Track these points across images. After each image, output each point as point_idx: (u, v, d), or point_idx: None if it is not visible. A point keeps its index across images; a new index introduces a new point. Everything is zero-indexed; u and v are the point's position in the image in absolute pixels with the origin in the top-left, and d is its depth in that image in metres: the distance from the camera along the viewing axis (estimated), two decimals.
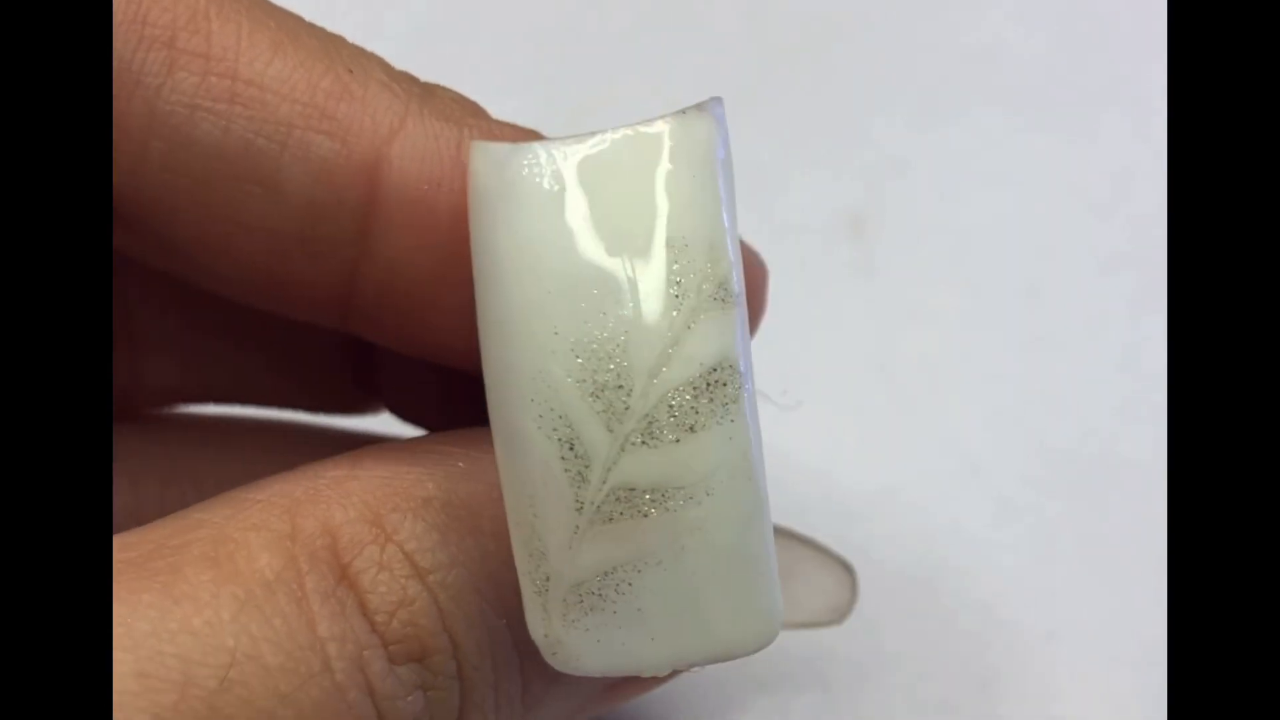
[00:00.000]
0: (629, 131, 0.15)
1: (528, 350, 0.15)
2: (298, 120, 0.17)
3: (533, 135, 0.18)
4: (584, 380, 0.15)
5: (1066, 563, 0.26)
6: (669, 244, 0.15)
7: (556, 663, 0.16)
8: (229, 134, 0.17)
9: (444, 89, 0.18)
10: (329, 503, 0.16)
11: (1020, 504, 0.27)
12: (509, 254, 0.15)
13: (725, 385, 0.15)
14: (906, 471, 0.27)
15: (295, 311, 0.19)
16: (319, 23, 0.18)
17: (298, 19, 0.18)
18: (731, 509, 0.15)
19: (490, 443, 0.17)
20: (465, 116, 0.17)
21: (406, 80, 0.18)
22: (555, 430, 0.15)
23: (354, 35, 0.18)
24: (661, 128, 0.15)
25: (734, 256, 0.15)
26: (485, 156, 0.16)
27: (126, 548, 0.16)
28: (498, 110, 0.18)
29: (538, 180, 0.15)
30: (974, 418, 0.28)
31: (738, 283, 0.15)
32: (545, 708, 0.18)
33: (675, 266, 0.15)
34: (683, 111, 0.15)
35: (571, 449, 0.15)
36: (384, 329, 0.19)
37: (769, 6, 0.33)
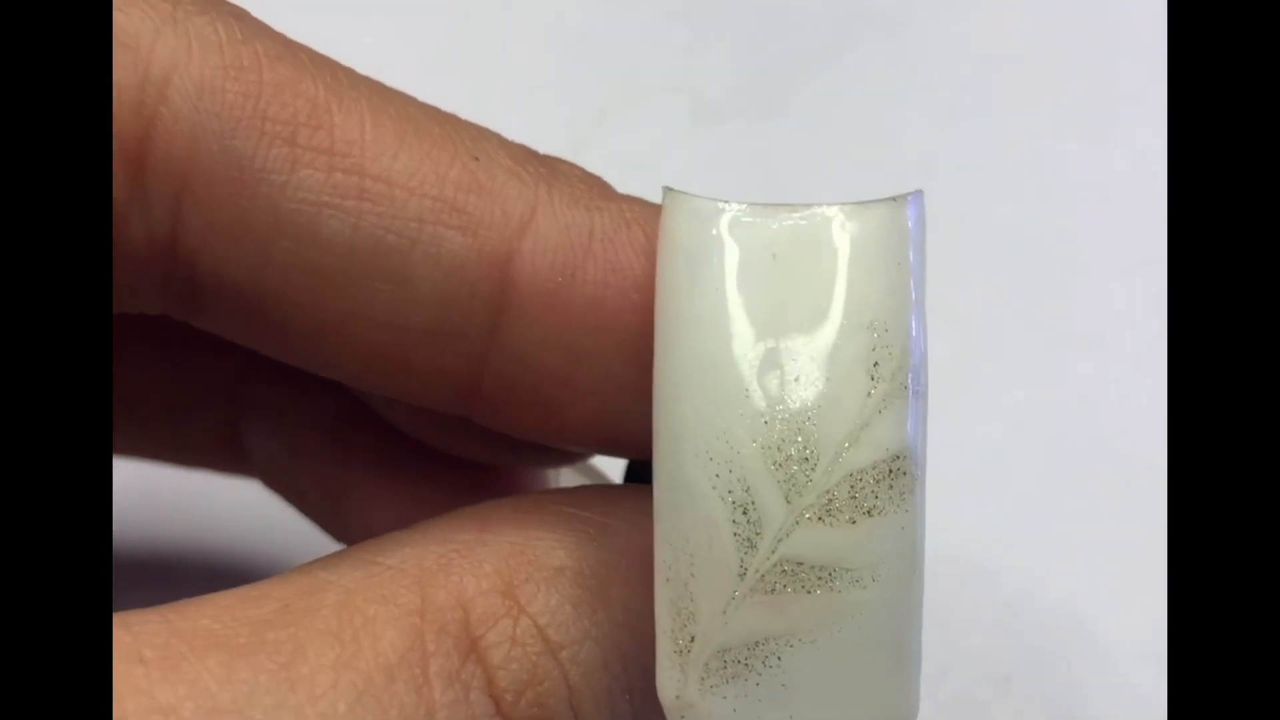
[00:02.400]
0: (838, 209, 0.16)
1: (714, 408, 0.15)
2: (428, 216, 0.16)
3: None
4: (769, 447, 0.15)
5: (1090, 561, 0.26)
6: (871, 326, 0.15)
7: None
8: (358, 231, 0.16)
9: (567, 165, 0.18)
10: (461, 572, 0.16)
11: (1044, 503, 0.27)
12: (706, 310, 0.15)
13: (905, 475, 0.15)
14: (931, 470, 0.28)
15: (416, 399, 0.18)
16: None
17: (417, 103, 0.17)
18: (894, 599, 0.15)
19: (616, 507, 0.17)
20: (595, 199, 0.17)
21: (531, 162, 0.17)
22: (731, 492, 0.15)
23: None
24: (871, 212, 0.16)
25: (926, 350, 0.15)
26: (687, 210, 0.16)
27: (250, 603, 0.15)
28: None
29: (744, 241, 0.15)
30: (997, 416, 0.28)
31: (927, 378, 0.15)
32: None
33: (875, 349, 0.15)
34: (892, 199, 0.16)
35: (745, 513, 0.15)
36: (509, 418, 0.18)
37: (783, 10, 0.33)
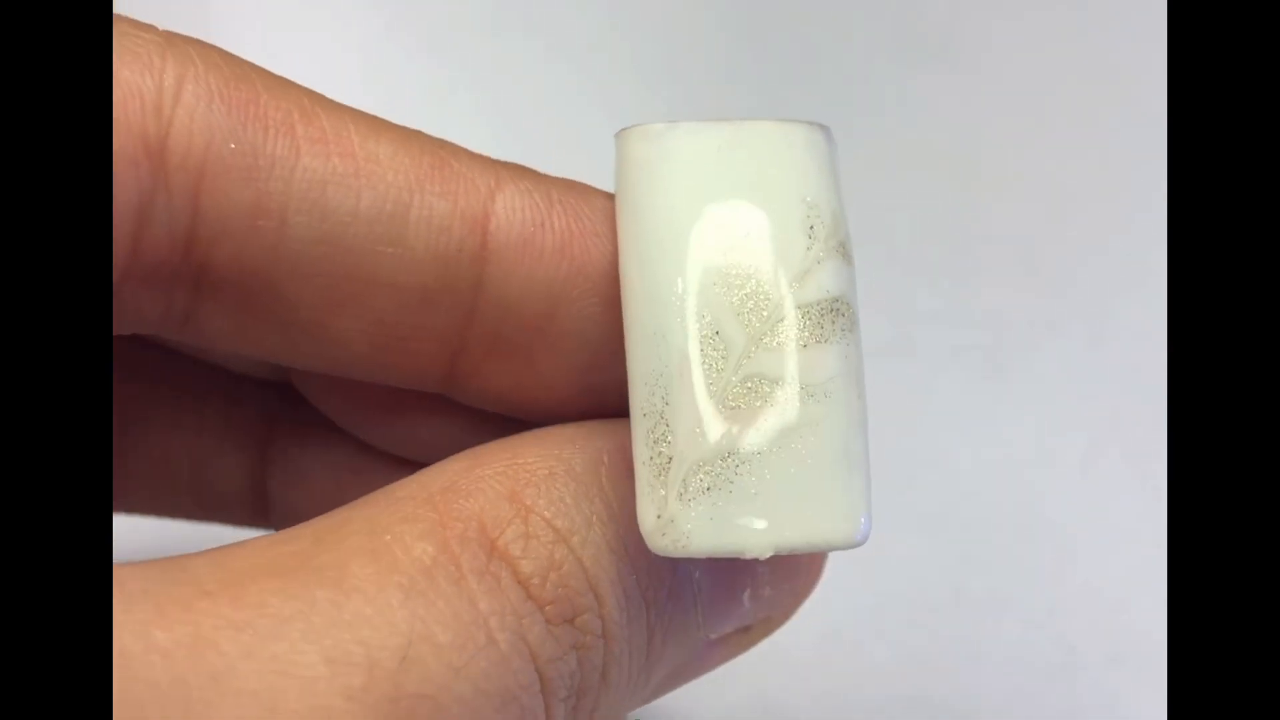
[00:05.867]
0: (767, 121, 0.18)
1: (677, 260, 0.17)
2: (415, 186, 0.19)
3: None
4: (730, 286, 0.17)
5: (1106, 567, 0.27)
6: (804, 200, 0.18)
7: (665, 544, 0.17)
8: (360, 201, 0.19)
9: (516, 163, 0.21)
10: (468, 492, 0.18)
11: (1053, 512, 0.28)
12: (663, 192, 0.18)
13: (844, 315, 0.18)
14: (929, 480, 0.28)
15: (402, 376, 0.20)
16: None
17: (380, 117, 0.20)
18: (844, 413, 0.17)
19: (589, 426, 0.19)
20: (545, 177, 0.20)
21: (486, 156, 0.20)
22: (697, 325, 0.17)
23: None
24: (798, 124, 0.19)
25: (850, 232, 0.18)
26: (640, 135, 0.19)
27: (285, 541, 0.17)
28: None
29: (692, 149, 0.18)
30: (1006, 419, 0.29)
31: (851, 250, 0.18)
32: (661, 665, 0.19)
33: (810, 216, 0.18)
34: (808, 122, 0.19)
35: (711, 343, 0.17)
36: (488, 380, 0.20)
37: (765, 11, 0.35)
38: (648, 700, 0.20)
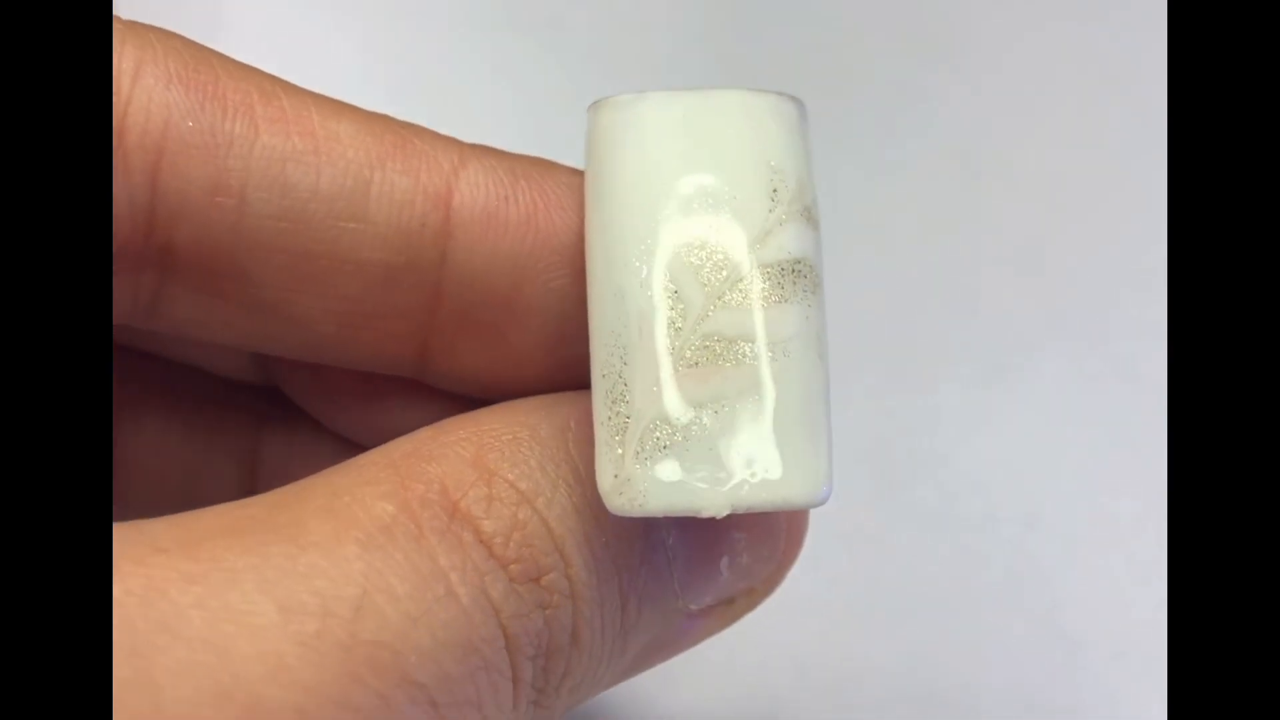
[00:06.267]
0: (735, 90, 0.18)
1: (639, 221, 0.17)
2: (376, 163, 0.19)
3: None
4: (691, 247, 0.17)
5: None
6: (769, 165, 0.18)
7: (621, 503, 0.17)
8: (321, 178, 0.19)
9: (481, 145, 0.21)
10: (430, 457, 0.18)
11: (1054, 509, 0.28)
12: (629, 157, 0.18)
13: (806, 277, 0.17)
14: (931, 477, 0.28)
15: (373, 356, 0.20)
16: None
17: (340, 101, 0.20)
18: (804, 372, 0.17)
19: (556, 395, 0.19)
20: (509, 154, 0.20)
21: (449, 137, 0.20)
22: (658, 287, 0.17)
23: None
24: (761, 93, 0.19)
25: (817, 198, 0.18)
26: (609, 106, 0.19)
27: (244, 506, 0.17)
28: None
29: (659, 115, 0.18)
30: (1008, 417, 0.29)
31: (818, 214, 0.18)
32: (638, 632, 0.19)
33: (774, 179, 0.18)
34: (778, 92, 0.19)
35: (669, 303, 0.17)
36: (458, 357, 0.20)
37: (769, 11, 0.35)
38: (629, 673, 0.20)
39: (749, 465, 0.17)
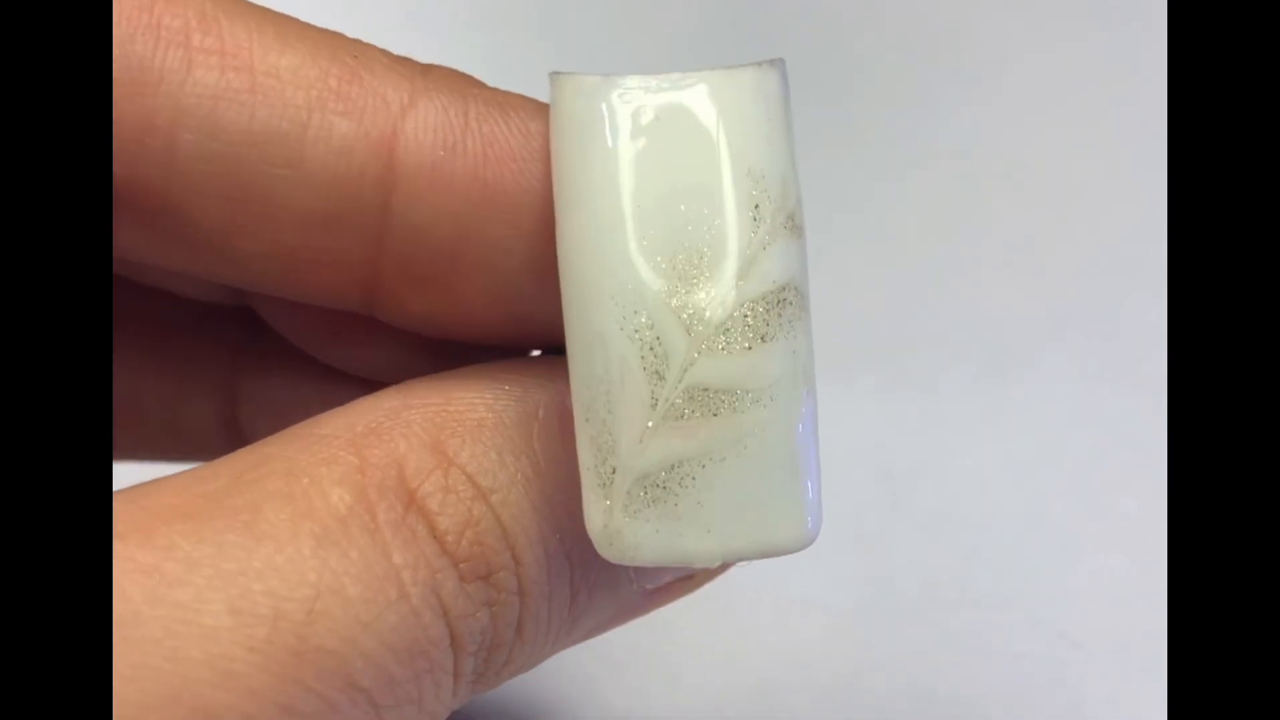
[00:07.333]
0: (711, 72, 0.17)
1: (616, 258, 0.16)
2: (315, 104, 0.18)
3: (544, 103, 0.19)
4: (669, 288, 0.16)
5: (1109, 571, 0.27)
6: (749, 174, 0.17)
7: (613, 554, 0.17)
8: (254, 120, 0.18)
9: (441, 67, 0.19)
10: (391, 434, 0.17)
11: (1055, 509, 0.28)
12: (600, 173, 0.17)
13: (791, 304, 0.17)
14: (933, 478, 0.28)
15: (320, 297, 0.20)
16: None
17: (296, 20, 0.19)
18: (791, 414, 0.17)
19: (531, 370, 0.19)
20: (468, 88, 0.19)
21: (407, 63, 0.19)
22: (637, 332, 0.16)
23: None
24: (743, 74, 0.17)
25: (800, 194, 0.17)
26: (573, 87, 0.17)
27: (203, 480, 0.17)
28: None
29: (629, 107, 0.17)
30: (1009, 417, 0.29)
31: (802, 217, 0.17)
32: (589, 616, 0.19)
33: (754, 193, 0.17)
34: (757, 64, 0.17)
35: (652, 350, 0.16)
36: (407, 306, 0.20)
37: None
38: (578, 642, 0.20)
39: (738, 515, 0.17)
